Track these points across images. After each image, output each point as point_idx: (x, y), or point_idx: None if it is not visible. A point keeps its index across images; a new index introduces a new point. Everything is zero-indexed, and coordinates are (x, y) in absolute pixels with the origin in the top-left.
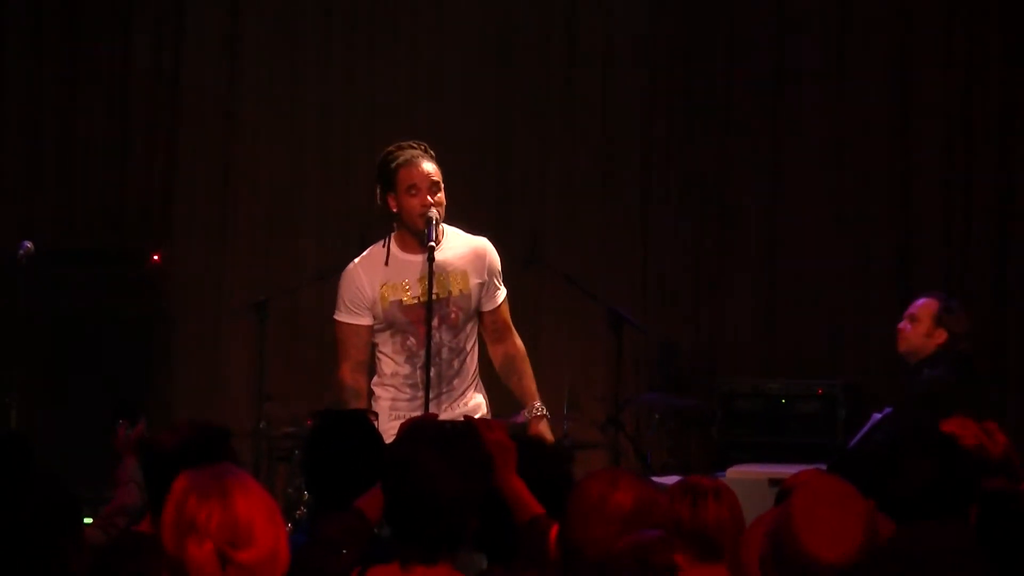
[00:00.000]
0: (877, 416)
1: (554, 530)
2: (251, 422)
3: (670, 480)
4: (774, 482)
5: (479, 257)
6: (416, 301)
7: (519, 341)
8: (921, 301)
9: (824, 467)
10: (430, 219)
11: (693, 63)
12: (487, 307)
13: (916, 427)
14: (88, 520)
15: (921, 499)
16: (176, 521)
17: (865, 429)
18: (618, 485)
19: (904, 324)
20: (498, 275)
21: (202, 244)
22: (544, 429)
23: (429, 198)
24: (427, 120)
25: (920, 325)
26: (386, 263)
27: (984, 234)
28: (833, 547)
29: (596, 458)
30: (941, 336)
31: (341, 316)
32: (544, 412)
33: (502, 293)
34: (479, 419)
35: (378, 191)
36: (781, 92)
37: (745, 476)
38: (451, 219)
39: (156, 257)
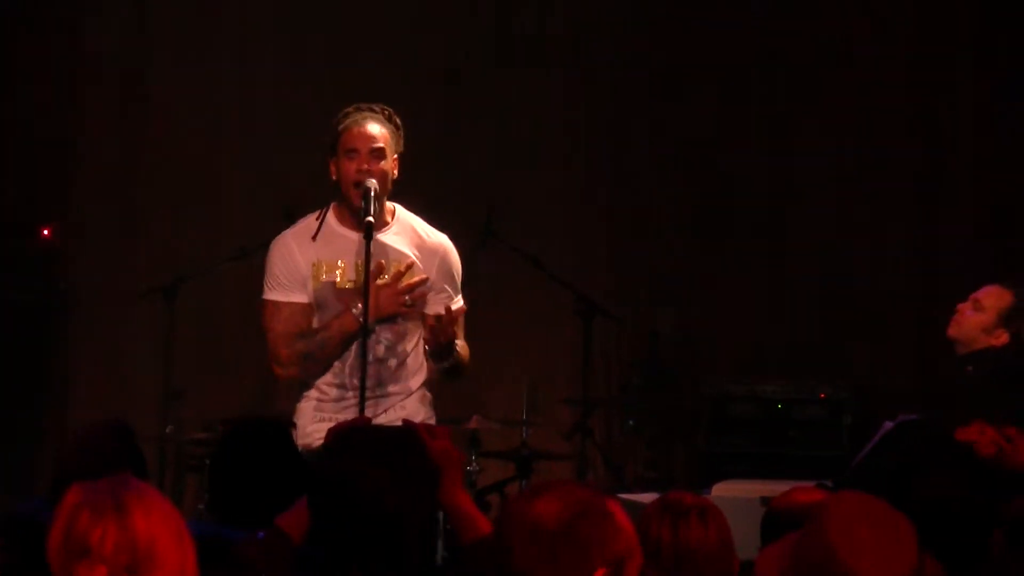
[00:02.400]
0: (889, 425)
1: None
2: (157, 425)
3: (647, 497)
4: (767, 500)
5: (432, 253)
6: (351, 285)
7: (465, 345)
8: (993, 288)
9: (828, 484)
10: (367, 190)
11: (680, 21)
12: (432, 310)
13: (930, 439)
14: None
15: (936, 522)
16: (65, 542)
17: (875, 440)
18: (541, 495)
19: (965, 306)
20: (452, 282)
21: (102, 217)
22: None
23: (366, 165)
24: (361, 82)
25: (983, 315)
26: (314, 237)
27: (1017, 218)
28: (888, 571)
29: (560, 471)
30: (1002, 337)
31: (274, 294)
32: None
33: (455, 303)
34: (421, 424)
35: (327, 156)
36: (778, 55)
37: (734, 493)
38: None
39: (46, 232)
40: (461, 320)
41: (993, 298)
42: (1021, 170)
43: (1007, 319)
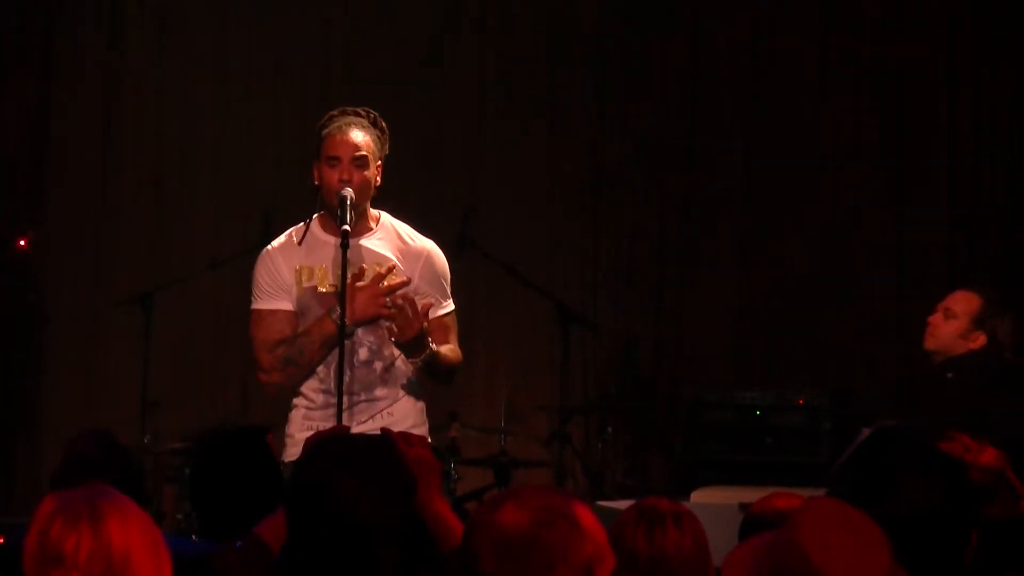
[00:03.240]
0: (867, 432)
1: None
2: (134, 435)
3: (625, 505)
4: (746, 507)
5: (416, 257)
6: (332, 288)
7: (458, 350)
8: (961, 294)
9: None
10: (344, 198)
11: (655, 30)
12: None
13: (915, 442)
14: None
15: (918, 522)
16: (39, 551)
17: (853, 447)
18: (506, 503)
19: (936, 317)
20: (439, 286)
21: (78, 227)
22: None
23: (347, 175)
24: (342, 85)
25: (956, 321)
26: (299, 242)
27: (990, 223)
28: None
29: (539, 478)
30: (978, 340)
31: (261, 303)
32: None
33: (444, 308)
34: (397, 433)
35: (312, 160)
36: (757, 68)
37: (713, 500)
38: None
39: (23, 242)
40: (452, 323)
41: (963, 303)
42: (996, 175)
43: (980, 321)
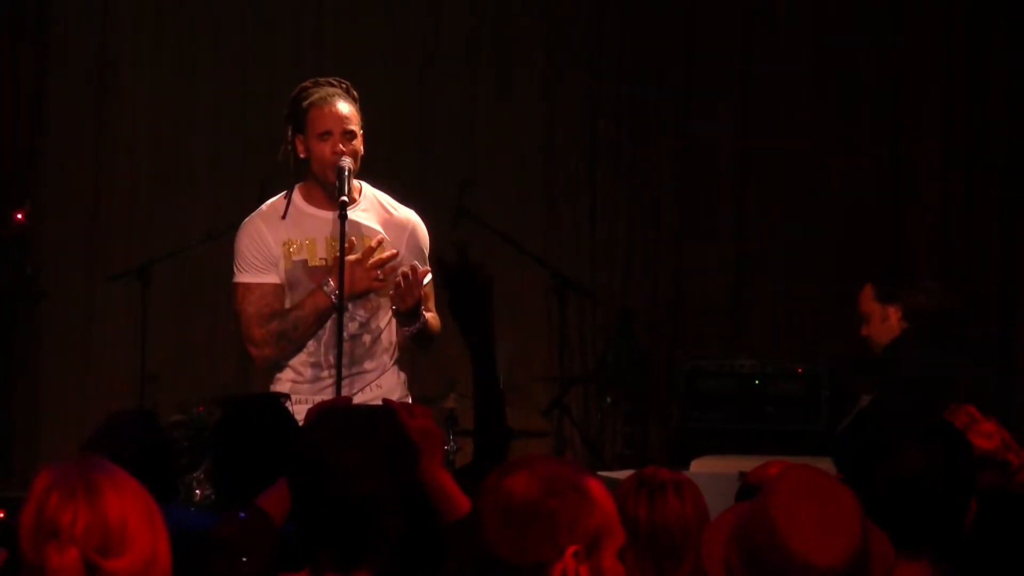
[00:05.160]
0: (866, 399)
1: None
2: (132, 409)
3: (625, 475)
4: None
5: (401, 228)
6: (323, 263)
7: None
8: (860, 294)
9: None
10: (342, 169)
11: (651, 4)
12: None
13: (911, 411)
14: None
15: (918, 488)
16: (36, 524)
17: (853, 414)
18: (514, 471)
19: (863, 328)
20: (421, 256)
21: (73, 200)
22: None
23: (341, 146)
24: (336, 57)
25: (873, 317)
26: (283, 216)
27: (983, 197)
28: (828, 548)
29: (538, 448)
30: (895, 312)
31: (245, 276)
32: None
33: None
34: (399, 403)
35: (288, 132)
36: (751, 38)
37: (713, 469)
38: (364, 164)
39: (20, 216)
40: (431, 291)
41: (863, 300)
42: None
43: (882, 298)
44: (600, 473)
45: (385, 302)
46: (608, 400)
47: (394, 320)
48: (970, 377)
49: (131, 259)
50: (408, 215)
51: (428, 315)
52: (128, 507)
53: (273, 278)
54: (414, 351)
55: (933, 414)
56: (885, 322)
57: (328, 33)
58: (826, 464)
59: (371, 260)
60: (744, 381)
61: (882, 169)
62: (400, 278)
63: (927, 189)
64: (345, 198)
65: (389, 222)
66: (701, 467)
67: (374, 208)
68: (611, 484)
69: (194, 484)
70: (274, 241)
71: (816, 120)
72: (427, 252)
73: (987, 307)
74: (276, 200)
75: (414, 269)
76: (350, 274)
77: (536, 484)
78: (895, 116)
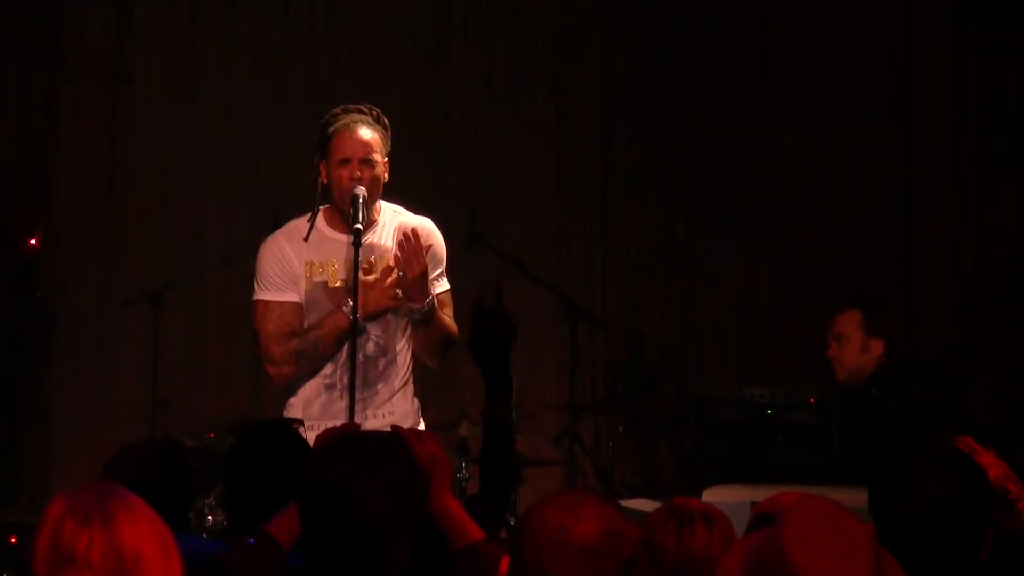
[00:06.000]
0: (878, 429)
1: (504, 562)
2: (143, 434)
3: (637, 504)
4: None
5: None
6: (342, 284)
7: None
8: (841, 317)
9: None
10: (356, 198)
11: (660, 27)
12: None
13: (922, 440)
14: None
15: (932, 518)
16: (51, 550)
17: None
18: (579, 514)
19: (832, 350)
20: (439, 263)
21: (86, 225)
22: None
23: (359, 173)
24: (349, 82)
25: (849, 342)
26: (306, 238)
27: (994, 223)
28: None
29: (549, 477)
30: (879, 347)
31: (265, 294)
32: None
33: (441, 285)
34: (409, 430)
35: (315, 158)
36: (763, 61)
37: (724, 498)
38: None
39: (34, 241)
40: (450, 302)
41: (847, 322)
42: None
43: (871, 329)
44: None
45: (402, 323)
46: (620, 429)
47: (410, 344)
48: (961, 409)
49: (143, 284)
50: (423, 223)
51: (445, 319)
52: (143, 534)
53: (293, 297)
54: (427, 369)
55: (946, 444)
56: (865, 353)
57: (344, 62)
58: (838, 494)
59: (389, 280)
60: (755, 410)
61: (893, 193)
62: (401, 238)
63: (937, 214)
64: (359, 225)
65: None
66: (713, 496)
67: (392, 225)
68: (631, 514)
69: (206, 510)
70: (296, 260)
71: (826, 145)
72: (444, 258)
73: (999, 333)
74: (300, 221)
75: (414, 233)
76: (370, 295)
77: (603, 526)
78: (906, 143)
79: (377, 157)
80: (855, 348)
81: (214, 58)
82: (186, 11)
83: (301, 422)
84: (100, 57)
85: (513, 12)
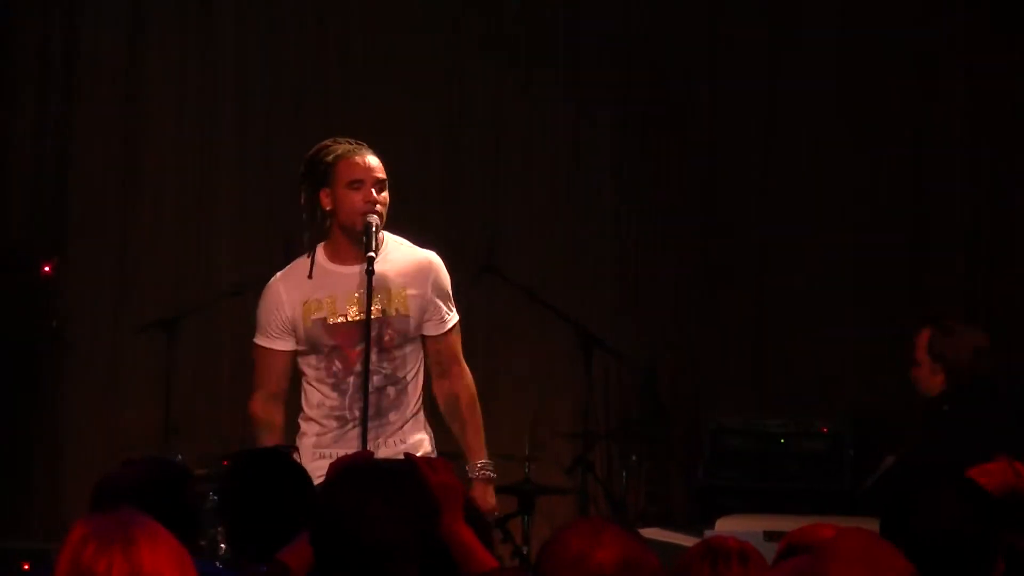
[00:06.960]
0: (890, 459)
1: None
2: None
3: (651, 533)
4: (771, 535)
5: (422, 272)
6: (343, 320)
7: (468, 380)
8: (918, 337)
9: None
10: (370, 225)
11: (674, 57)
12: (431, 332)
13: (934, 466)
14: None
15: (941, 544)
16: (72, 573)
17: (878, 473)
18: (601, 541)
19: (913, 370)
20: (446, 297)
21: (99, 253)
22: (485, 494)
23: (375, 193)
24: (362, 109)
25: (923, 366)
26: (309, 276)
27: (1010, 252)
28: None
29: (562, 505)
30: (939, 375)
31: (258, 338)
32: (490, 473)
33: (451, 319)
34: (421, 458)
35: (303, 190)
36: (774, 97)
37: (738, 528)
38: (389, 219)
39: (48, 268)
40: (458, 337)
41: (920, 346)
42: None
43: (935, 354)
44: (659, 538)
45: (412, 352)
46: (634, 458)
47: (420, 369)
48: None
49: (156, 312)
50: (427, 257)
51: (474, 439)
52: (162, 559)
53: (284, 345)
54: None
55: (956, 472)
56: (934, 376)
57: (354, 90)
58: (856, 523)
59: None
60: (769, 440)
61: (905, 219)
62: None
63: (954, 237)
64: (372, 253)
65: (411, 269)
66: (727, 526)
67: (396, 256)
68: (671, 549)
69: (219, 538)
70: (290, 304)
71: (840, 168)
72: (450, 292)
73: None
74: (301, 260)
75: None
76: None
77: (635, 551)
78: (918, 160)
79: (386, 181)
80: (925, 373)
81: (228, 84)
82: (200, 39)
83: (295, 448)
84: (114, 83)
85: (527, 39)
